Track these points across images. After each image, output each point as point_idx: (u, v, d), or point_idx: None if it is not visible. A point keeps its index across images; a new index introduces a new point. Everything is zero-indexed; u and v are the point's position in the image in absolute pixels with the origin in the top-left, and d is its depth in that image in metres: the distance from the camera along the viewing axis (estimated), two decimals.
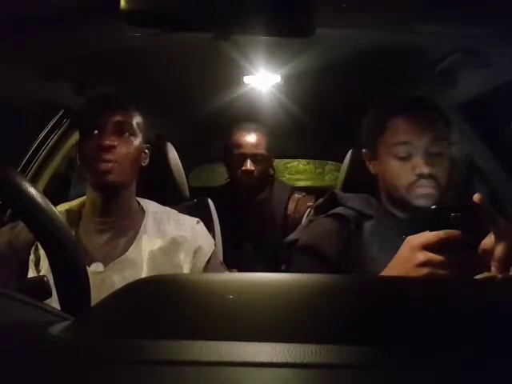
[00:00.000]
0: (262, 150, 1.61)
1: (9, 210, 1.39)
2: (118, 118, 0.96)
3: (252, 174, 1.60)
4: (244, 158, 1.60)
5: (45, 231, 0.52)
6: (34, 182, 1.45)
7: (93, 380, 0.27)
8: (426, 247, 0.60)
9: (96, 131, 0.95)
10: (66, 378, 0.27)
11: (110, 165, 0.93)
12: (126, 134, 0.97)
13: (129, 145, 0.97)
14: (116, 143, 0.94)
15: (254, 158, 1.60)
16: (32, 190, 0.51)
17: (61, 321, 0.37)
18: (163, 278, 0.52)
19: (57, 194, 1.45)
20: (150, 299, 0.39)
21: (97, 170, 0.93)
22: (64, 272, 0.53)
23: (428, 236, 0.60)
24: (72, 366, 0.28)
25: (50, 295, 0.58)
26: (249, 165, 1.59)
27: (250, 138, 1.61)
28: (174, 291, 0.40)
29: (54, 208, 0.53)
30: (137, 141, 1.00)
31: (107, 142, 0.92)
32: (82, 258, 0.55)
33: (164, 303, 0.37)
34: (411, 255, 0.61)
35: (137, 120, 1.01)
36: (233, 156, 1.64)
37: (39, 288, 0.58)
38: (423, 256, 0.60)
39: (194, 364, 0.27)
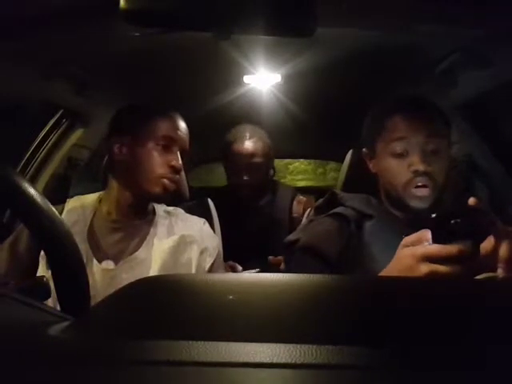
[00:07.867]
0: (258, 159, 1.58)
1: (8, 211, 1.39)
2: (186, 145, 1.06)
3: (248, 184, 1.58)
4: (239, 168, 1.58)
5: (44, 231, 0.52)
6: (33, 182, 1.45)
7: (93, 380, 0.27)
8: (429, 259, 0.59)
9: (161, 146, 1.00)
10: (65, 378, 0.27)
11: (174, 185, 1.01)
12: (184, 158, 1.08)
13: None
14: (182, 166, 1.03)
15: (250, 167, 1.57)
16: (31, 190, 0.51)
17: (61, 321, 0.37)
18: (163, 277, 0.52)
19: (56, 194, 1.44)
20: (150, 299, 0.39)
21: (162, 184, 0.99)
22: (64, 272, 0.53)
23: (429, 249, 0.59)
24: (72, 366, 0.28)
25: (49, 295, 0.58)
26: (244, 176, 1.57)
27: (246, 147, 1.57)
28: (174, 291, 0.40)
29: (53, 208, 0.53)
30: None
31: (179, 165, 1.01)
32: (82, 257, 0.56)
33: (164, 303, 0.37)
34: (414, 265, 0.59)
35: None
36: (229, 164, 1.63)
37: (39, 288, 0.58)
38: (426, 268, 0.58)
39: (194, 364, 0.27)
